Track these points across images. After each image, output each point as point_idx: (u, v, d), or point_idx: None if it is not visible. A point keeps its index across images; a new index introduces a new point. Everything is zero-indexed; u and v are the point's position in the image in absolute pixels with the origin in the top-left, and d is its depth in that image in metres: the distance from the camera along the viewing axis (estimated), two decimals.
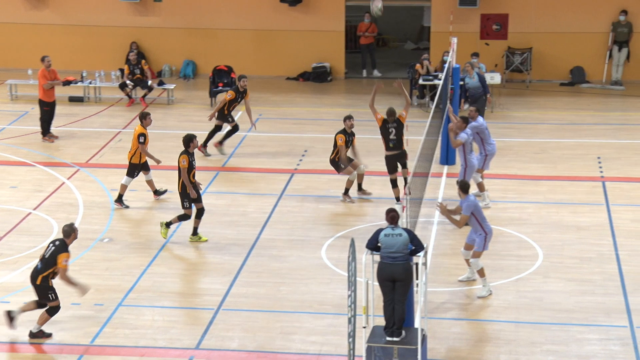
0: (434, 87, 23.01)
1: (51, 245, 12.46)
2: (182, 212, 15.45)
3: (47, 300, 12.48)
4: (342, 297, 13.08)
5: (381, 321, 11.72)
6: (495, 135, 18.76)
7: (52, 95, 20.62)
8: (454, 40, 19.61)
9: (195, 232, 15.52)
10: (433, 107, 17.50)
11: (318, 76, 26.43)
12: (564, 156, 19.73)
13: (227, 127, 19.84)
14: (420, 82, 23.61)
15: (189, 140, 15.32)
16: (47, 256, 12.37)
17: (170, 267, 14.65)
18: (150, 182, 17.21)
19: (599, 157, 19.49)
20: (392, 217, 11.84)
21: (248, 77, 20.19)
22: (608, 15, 25.30)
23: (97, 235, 15.67)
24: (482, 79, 20.76)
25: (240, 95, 19.71)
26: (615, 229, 15.89)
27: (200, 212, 15.41)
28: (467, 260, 13.91)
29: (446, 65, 19.01)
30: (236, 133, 19.93)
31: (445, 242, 15.41)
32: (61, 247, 12.34)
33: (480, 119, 16.92)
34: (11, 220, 16.20)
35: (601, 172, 18.72)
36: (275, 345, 12.38)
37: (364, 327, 11.46)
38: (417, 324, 11.71)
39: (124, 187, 16.87)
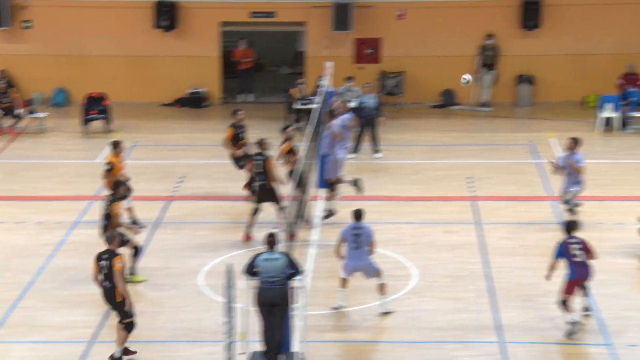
0: (310, 111, 23.19)
1: (102, 261, 12.28)
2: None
3: (126, 316, 12.29)
4: (220, 324, 12.97)
5: (259, 347, 11.67)
6: (371, 157, 19.04)
7: None
8: (329, 64, 19.85)
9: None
10: (309, 130, 17.65)
11: (194, 102, 26.31)
12: (438, 177, 20.18)
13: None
14: (297, 106, 23.77)
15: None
16: (107, 271, 12.23)
17: (41, 300, 14.26)
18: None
19: (469, 177, 19.99)
20: (270, 242, 11.87)
21: (122, 103, 19.91)
22: (476, 39, 26.07)
23: None
24: (378, 102, 21.32)
25: (240, 129, 18.76)
26: (487, 246, 16.32)
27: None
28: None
29: (321, 90, 19.21)
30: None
31: (324, 265, 15.50)
32: (112, 254, 12.30)
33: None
34: None
35: (472, 191, 19.21)
36: None
37: (242, 354, 11.39)
38: (296, 347, 11.72)
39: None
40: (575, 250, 12.95)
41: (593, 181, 17.91)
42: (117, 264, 12.21)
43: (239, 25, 26.65)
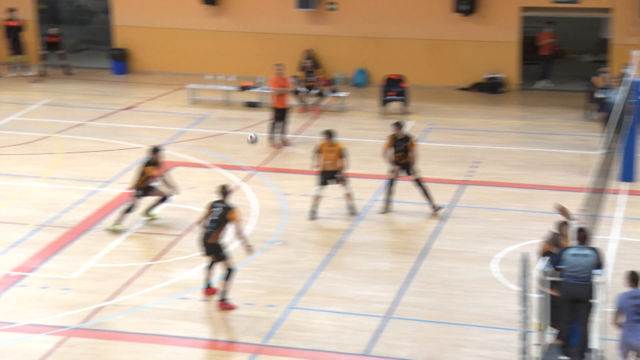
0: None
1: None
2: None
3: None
4: (513, 311, 12.87)
5: (554, 339, 11.44)
6: None
7: (283, 101, 20.99)
8: (636, 53, 18.97)
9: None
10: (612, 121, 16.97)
11: (490, 87, 26.12)
12: None
13: None
14: (598, 95, 22.91)
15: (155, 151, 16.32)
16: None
17: (340, 273, 14.81)
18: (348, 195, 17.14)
19: None
20: (583, 236, 11.57)
21: (419, 86, 20.09)
22: None
23: (269, 238, 16.03)
24: None
25: (399, 143, 17.55)
26: None
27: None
28: None
29: (626, 79, 18.39)
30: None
31: (625, 262, 14.88)
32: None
33: None
34: (189, 219, 16.79)
35: None
36: (444, 357, 12.30)
37: (537, 345, 11.22)
38: (595, 344, 11.37)
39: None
40: None
41: None
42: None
43: (540, 10, 26.10)
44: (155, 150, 16.36)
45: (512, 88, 26.32)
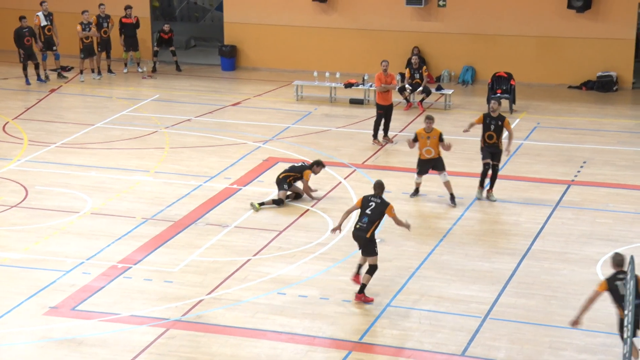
0: None
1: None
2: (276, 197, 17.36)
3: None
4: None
5: None
6: None
7: (387, 98, 21.08)
8: None
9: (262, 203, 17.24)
10: None
11: (603, 85, 25.47)
12: None
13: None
14: None
15: (317, 164, 17.59)
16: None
17: (438, 272, 14.69)
18: (447, 184, 17.32)
19: None
20: None
21: (529, 84, 19.78)
22: None
23: None
24: None
25: (491, 120, 17.55)
26: None
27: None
28: None
29: None
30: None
31: None
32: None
33: None
34: (290, 215, 16.92)
35: None
36: None
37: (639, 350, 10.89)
38: None
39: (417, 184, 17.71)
40: None
41: None
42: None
43: None
44: (318, 164, 17.63)
45: (625, 87, 25.59)
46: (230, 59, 28.22)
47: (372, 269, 13.65)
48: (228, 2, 28.41)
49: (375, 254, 13.66)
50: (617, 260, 11.49)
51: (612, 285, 11.39)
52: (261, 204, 17.20)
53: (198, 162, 19.78)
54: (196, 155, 20.26)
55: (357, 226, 13.68)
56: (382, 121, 21.03)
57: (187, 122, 22.72)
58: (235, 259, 15.13)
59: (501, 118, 17.12)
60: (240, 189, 18.24)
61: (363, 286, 13.64)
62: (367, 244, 13.64)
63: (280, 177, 17.60)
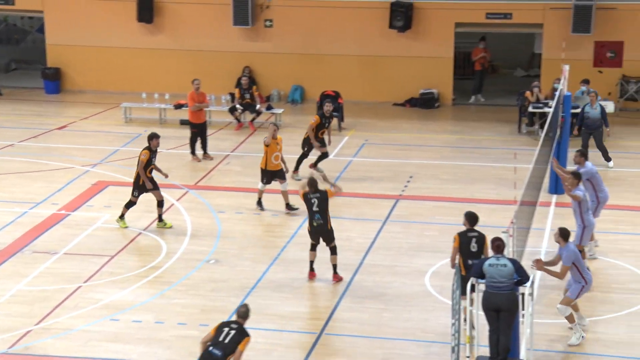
0: (543, 115, 22.67)
1: (228, 329, 11.11)
2: (128, 199, 17.11)
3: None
4: (446, 325, 12.93)
5: (485, 351, 11.52)
6: (605, 166, 18.25)
7: (200, 117, 21.20)
8: (566, 67, 19.30)
9: (160, 219, 17.11)
10: (542, 135, 17.21)
11: (425, 102, 26.36)
12: None
13: (318, 153, 19.92)
14: (530, 109, 23.29)
15: (150, 138, 17.02)
16: (226, 341, 10.98)
17: (274, 290, 14.75)
18: (284, 193, 17.65)
19: None
20: (498, 246, 11.69)
21: (355, 102, 20.31)
22: None
23: (203, 257, 15.91)
24: (603, 111, 20.48)
25: (327, 120, 19.77)
26: None
27: (160, 202, 17.01)
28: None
29: (557, 93, 18.71)
30: (327, 158, 19.98)
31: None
32: (241, 331, 11.12)
33: (588, 164, 15.38)
34: (122, 240, 16.60)
35: None
36: None
37: (467, 357, 11.29)
38: (522, 355, 11.47)
39: (260, 192, 17.95)
40: None
41: None
42: (243, 348, 10.94)
43: (473, 26, 26.43)
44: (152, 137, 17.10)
45: (446, 103, 26.58)
46: (54, 82, 27.48)
47: (335, 249, 14.81)
48: (50, 24, 27.68)
49: (334, 238, 14.79)
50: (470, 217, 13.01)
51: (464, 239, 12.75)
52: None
53: (23, 189, 19.12)
54: (20, 182, 19.58)
55: (315, 224, 14.61)
56: (198, 138, 21.12)
57: (9, 148, 21.93)
58: (64, 286, 14.68)
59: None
60: (69, 214, 17.75)
61: (335, 266, 14.83)
62: (329, 233, 14.69)
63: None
